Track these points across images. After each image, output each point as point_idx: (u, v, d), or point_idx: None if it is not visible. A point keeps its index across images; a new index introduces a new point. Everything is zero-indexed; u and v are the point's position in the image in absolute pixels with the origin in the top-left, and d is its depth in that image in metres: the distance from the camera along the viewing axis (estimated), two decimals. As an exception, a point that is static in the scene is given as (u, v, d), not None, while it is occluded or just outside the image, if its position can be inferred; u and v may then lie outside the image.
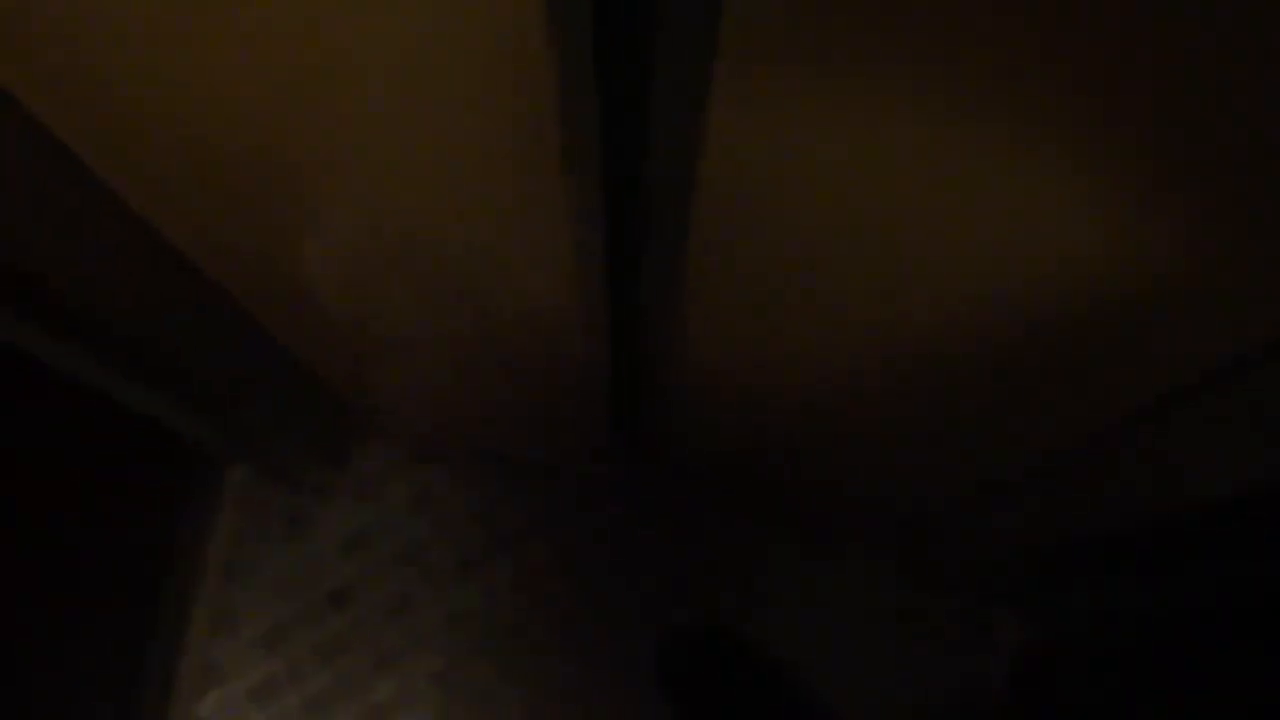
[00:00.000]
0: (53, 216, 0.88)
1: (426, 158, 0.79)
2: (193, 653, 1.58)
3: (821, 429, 1.28)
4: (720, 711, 1.46)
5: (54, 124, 0.81)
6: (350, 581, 1.62)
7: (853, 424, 1.22)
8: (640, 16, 0.55)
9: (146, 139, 0.82)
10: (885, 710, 1.56)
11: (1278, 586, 0.95)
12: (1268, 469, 0.77)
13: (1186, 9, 0.46)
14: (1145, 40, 0.49)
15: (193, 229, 1.01)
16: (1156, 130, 0.56)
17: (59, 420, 1.24)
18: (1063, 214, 0.66)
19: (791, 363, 1.09)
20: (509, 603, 1.62)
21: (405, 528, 1.66)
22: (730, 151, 0.68)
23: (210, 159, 0.84)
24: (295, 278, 1.13)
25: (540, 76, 0.62)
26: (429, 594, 1.62)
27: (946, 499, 1.39)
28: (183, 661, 1.56)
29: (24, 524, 1.22)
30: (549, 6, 0.54)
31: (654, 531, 1.65)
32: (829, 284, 0.87)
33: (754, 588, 1.63)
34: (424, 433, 1.68)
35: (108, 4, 0.63)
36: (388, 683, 1.58)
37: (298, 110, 0.74)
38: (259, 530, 1.65)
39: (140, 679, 1.50)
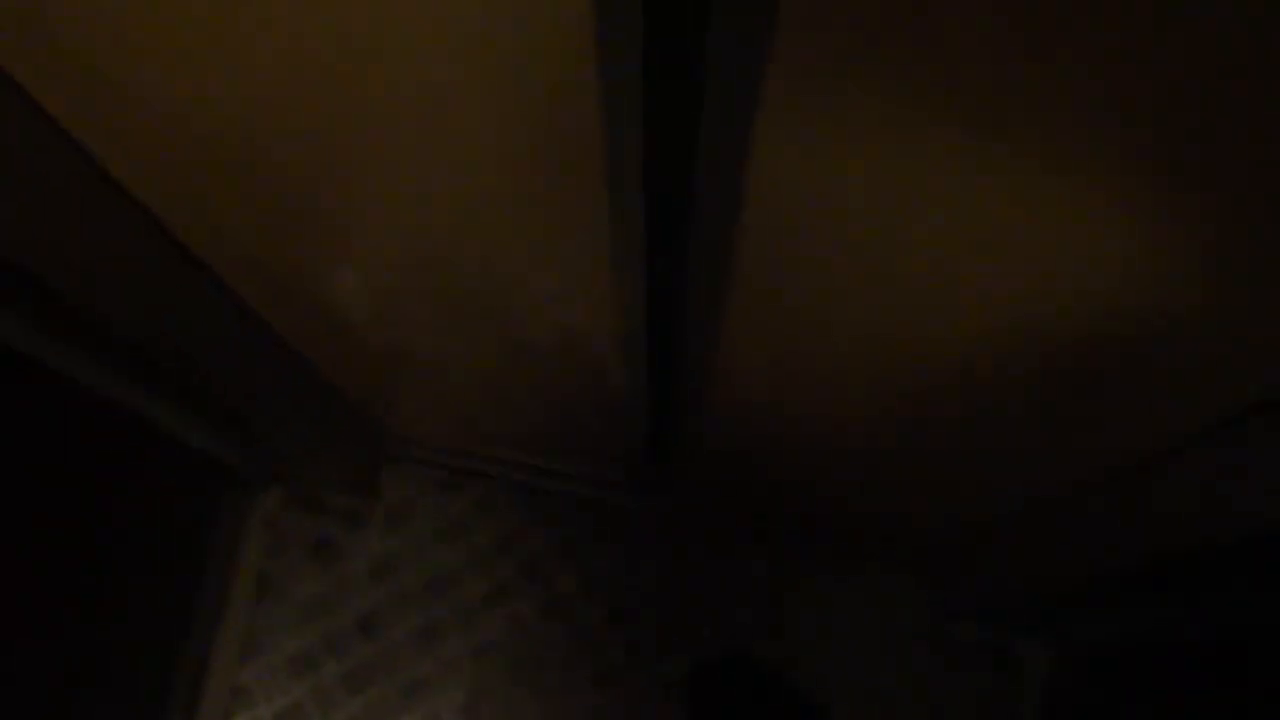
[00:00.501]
0: (81, 230, 0.88)
1: (459, 180, 0.79)
2: (219, 676, 1.57)
3: (851, 454, 1.27)
4: None
5: (77, 129, 0.81)
6: (379, 609, 1.62)
7: (883, 449, 1.21)
8: (688, 47, 0.55)
9: (169, 145, 0.81)
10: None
11: None
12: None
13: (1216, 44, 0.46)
14: (1173, 80, 0.49)
15: (223, 247, 1.01)
16: (1191, 171, 0.55)
17: (90, 438, 1.25)
18: (1095, 251, 0.66)
19: (824, 389, 1.09)
20: (537, 632, 1.60)
21: (434, 556, 1.65)
22: (774, 184, 0.68)
23: (238, 170, 0.84)
24: (326, 300, 1.13)
25: (585, 107, 0.62)
26: (457, 622, 1.61)
27: (974, 525, 1.38)
28: (208, 684, 1.55)
29: (55, 542, 1.22)
30: (597, 31, 0.54)
31: (681, 558, 1.64)
32: (863, 313, 0.87)
33: (778, 611, 1.61)
34: (453, 461, 1.68)
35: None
36: (414, 713, 1.57)
37: (326, 122, 0.74)
38: (289, 555, 1.64)
39: (166, 701, 1.50)
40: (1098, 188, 0.59)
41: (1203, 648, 1.14)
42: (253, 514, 1.63)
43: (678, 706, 1.56)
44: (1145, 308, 0.71)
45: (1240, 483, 0.83)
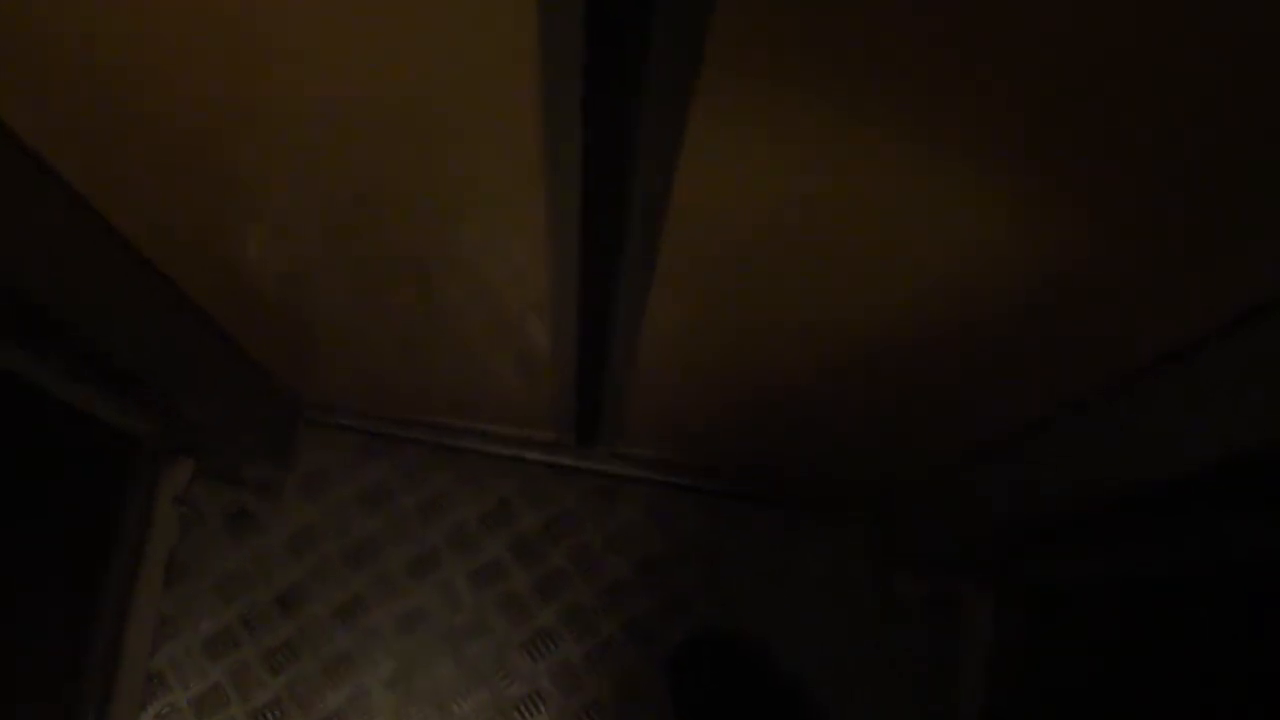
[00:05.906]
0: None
1: (374, 120, 0.74)
2: (132, 663, 1.50)
3: (788, 411, 1.26)
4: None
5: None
6: (298, 583, 1.56)
7: (821, 404, 1.21)
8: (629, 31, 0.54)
9: (71, 97, 0.75)
10: (852, 690, 1.53)
11: (1252, 556, 0.94)
12: (1237, 439, 0.75)
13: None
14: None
15: (130, 206, 0.95)
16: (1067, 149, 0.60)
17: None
18: (992, 222, 0.70)
19: (758, 349, 1.07)
20: (465, 601, 1.56)
21: (354, 525, 1.59)
22: (700, 172, 0.69)
23: (146, 126, 0.78)
24: (235, 259, 1.07)
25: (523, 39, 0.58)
26: (381, 594, 1.56)
27: (915, 477, 1.38)
28: (122, 673, 1.48)
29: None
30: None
31: (614, 518, 1.61)
32: (785, 279, 0.88)
33: (716, 567, 1.59)
34: (372, 426, 1.63)
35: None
36: (338, 691, 1.52)
37: (239, 75, 0.68)
38: (202, 530, 1.57)
39: (79, 690, 1.43)
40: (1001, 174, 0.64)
41: (1155, 592, 1.15)
42: (162, 488, 1.56)
43: (612, 671, 1.54)
44: (1065, 265, 0.74)
45: (1184, 419, 0.84)
